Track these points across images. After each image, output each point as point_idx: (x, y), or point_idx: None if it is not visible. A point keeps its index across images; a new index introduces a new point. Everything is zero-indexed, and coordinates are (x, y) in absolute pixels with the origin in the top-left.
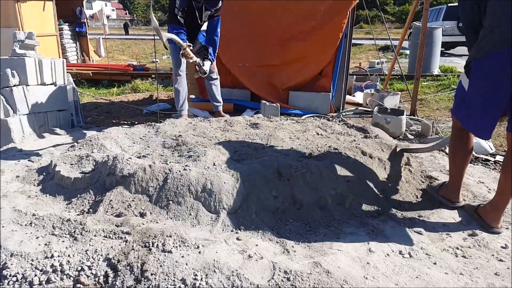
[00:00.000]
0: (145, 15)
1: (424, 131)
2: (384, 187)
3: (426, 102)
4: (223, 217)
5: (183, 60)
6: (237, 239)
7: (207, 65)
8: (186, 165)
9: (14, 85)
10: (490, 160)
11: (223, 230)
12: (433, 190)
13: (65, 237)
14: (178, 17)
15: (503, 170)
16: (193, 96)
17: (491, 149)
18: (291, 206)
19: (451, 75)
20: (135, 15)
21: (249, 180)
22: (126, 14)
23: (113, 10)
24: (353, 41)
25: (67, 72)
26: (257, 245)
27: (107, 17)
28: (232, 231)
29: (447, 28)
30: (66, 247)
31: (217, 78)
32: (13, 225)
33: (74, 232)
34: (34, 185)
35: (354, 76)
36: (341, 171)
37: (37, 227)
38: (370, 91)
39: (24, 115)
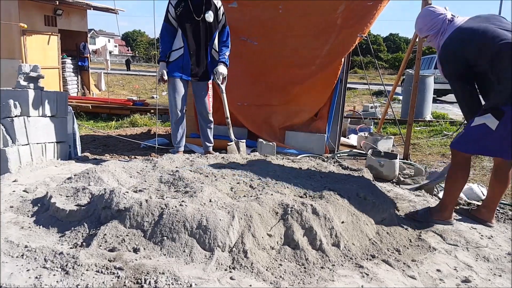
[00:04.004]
0: (146, 52)
1: (416, 175)
2: (378, 230)
3: (418, 147)
4: (217, 255)
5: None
6: (231, 278)
7: (222, 69)
8: (182, 201)
9: (16, 116)
10: None
11: (216, 268)
12: (423, 218)
13: (57, 270)
14: (170, 16)
15: (490, 180)
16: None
17: (483, 195)
18: (286, 246)
19: (443, 121)
20: (137, 52)
21: (244, 218)
22: (128, 50)
23: (115, 46)
24: (348, 86)
25: (68, 105)
26: (250, 286)
27: (110, 52)
28: (226, 270)
29: (438, 76)
30: (57, 281)
31: (212, 121)
32: (4, 256)
33: (66, 265)
34: (28, 216)
35: (349, 119)
36: (336, 211)
37: (29, 259)
38: (364, 134)
39: (22, 145)
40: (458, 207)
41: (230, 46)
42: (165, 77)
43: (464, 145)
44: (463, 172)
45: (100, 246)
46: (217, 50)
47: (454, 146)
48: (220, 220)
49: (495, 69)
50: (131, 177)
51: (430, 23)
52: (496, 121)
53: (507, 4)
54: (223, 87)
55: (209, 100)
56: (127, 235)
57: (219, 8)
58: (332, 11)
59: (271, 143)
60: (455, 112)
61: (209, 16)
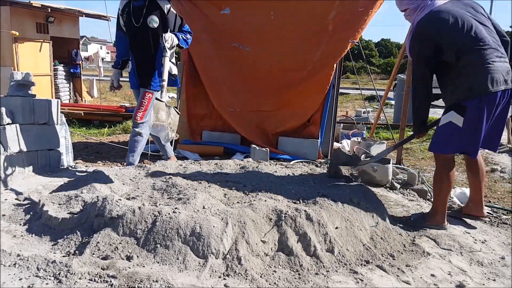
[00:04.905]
0: None
1: (410, 180)
2: (372, 235)
3: (411, 152)
4: (211, 262)
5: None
6: (225, 286)
7: (170, 37)
8: (175, 208)
9: (8, 124)
10: None
11: (210, 276)
12: (417, 223)
13: (49, 279)
14: (121, 23)
15: (467, 175)
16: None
17: None
18: (280, 252)
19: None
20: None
21: (238, 225)
22: None
23: (107, 53)
24: (340, 91)
25: (60, 112)
26: None
27: (102, 59)
28: (219, 277)
29: None
30: None
31: (138, 132)
32: None
33: (59, 274)
34: (20, 224)
35: (341, 124)
36: (330, 217)
37: (21, 268)
38: (357, 139)
39: (14, 153)
40: (449, 211)
41: (190, 36)
42: (115, 85)
43: (439, 146)
44: (448, 174)
45: (93, 254)
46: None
47: (431, 148)
48: (213, 227)
49: (461, 61)
50: (124, 184)
51: None
52: (461, 118)
53: (497, 4)
54: (168, 51)
55: (140, 108)
56: (120, 243)
57: (168, 11)
58: (324, 17)
59: (264, 149)
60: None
61: (152, 21)
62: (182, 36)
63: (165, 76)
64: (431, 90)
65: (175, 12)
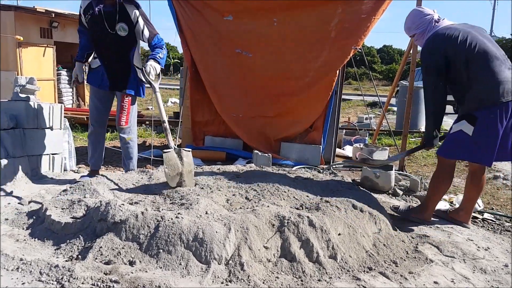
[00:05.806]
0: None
1: (412, 186)
2: (375, 242)
3: (414, 158)
4: (214, 268)
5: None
6: None
7: (152, 63)
8: (178, 213)
9: (11, 128)
10: (478, 218)
11: (213, 281)
12: (404, 214)
13: (52, 284)
14: (83, 18)
15: (466, 184)
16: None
17: (479, 206)
18: (283, 258)
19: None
20: None
21: (241, 230)
22: None
23: None
24: (343, 97)
25: (63, 117)
26: None
27: None
28: (222, 283)
29: None
30: None
31: (126, 138)
32: None
33: (62, 279)
34: (23, 228)
35: (344, 130)
36: (333, 223)
37: (24, 273)
38: (359, 145)
39: (18, 157)
40: (437, 209)
41: (164, 49)
42: (80, 80)
43: (447, 151)
44: (446, 178)
45: (96, 259)
46: (140, 65)
47: (439, 152)
48: (216, 232)
49: (470, 73)
50: (126, 189)
51: (418, 22)
52: (471, 127)
53: (502, 4)
54: (156, 85)
55: (122, 113)
56: (123, 248)
57: (136, 22)
58: (326, 24)
59: (266, 155)
60: (449, 124)
61: (121, 29)
62: (160, 55)
63: (165, 118)
64: (445, 101)
65: (143, 22)
